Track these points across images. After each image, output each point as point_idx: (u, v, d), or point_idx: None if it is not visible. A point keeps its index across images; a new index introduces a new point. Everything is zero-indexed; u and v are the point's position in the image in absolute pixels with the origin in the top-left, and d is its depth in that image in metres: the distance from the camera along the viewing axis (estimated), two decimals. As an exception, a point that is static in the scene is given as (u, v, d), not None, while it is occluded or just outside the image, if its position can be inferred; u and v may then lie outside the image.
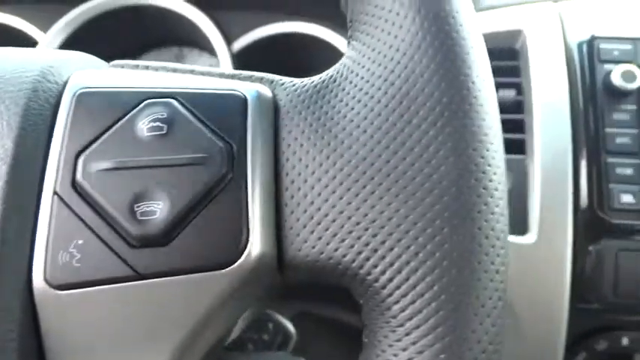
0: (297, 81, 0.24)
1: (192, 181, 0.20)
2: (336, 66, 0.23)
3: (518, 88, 0.53)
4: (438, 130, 0.20)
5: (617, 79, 0.49)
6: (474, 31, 0.21)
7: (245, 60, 0.64)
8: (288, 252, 0.21)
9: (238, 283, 0.20)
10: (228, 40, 0.63)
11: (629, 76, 0.49)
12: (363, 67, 0.22)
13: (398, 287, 0.19)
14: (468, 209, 0.19)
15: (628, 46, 0.51)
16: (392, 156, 0.20)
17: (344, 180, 0.20)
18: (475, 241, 0.19)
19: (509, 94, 0.53)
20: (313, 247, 0.20)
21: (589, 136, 0.49)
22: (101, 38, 0.68)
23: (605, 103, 0.50)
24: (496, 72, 0.56)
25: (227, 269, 0.20)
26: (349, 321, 0.62)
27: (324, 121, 0.21)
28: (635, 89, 0.49)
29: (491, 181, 0.20)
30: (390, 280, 0.19)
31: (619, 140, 0.49)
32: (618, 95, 0.50)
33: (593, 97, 0.50)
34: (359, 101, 0.21)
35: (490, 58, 0.56)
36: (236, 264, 0.20)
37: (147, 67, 0.25)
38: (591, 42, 0.52)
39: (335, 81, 0.23)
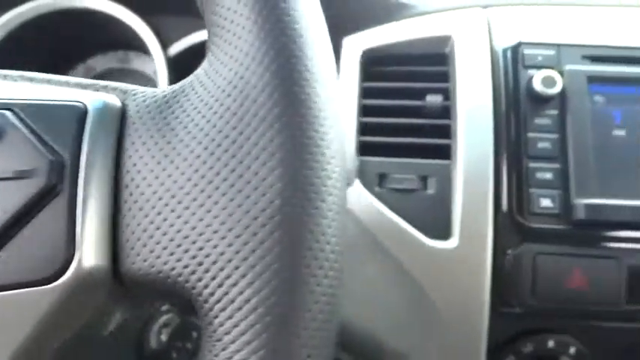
0: (149, 91, 0.24)
1: (16, 195, 0.19)
2: (190, 76, 0.23)
3: (447, 94, 0.54)
4: (267, 142, 0.20)
5: (537, 85, 0.49)
6: (314, 42, 0.21)
7: (183, 64, 0.64)
8: (123, 265, 0.21)
9: (67, 297, 0.20)
10: (165, 45, 0.63)
11: (549, 82, 0.49)
12: (209, 78, 0.22)
13: (218, 301, 0.19)
14: (291, 221, 0.19)
15: (551, 52, 0.52)
16: (222, 168, 0.20)
17: (176, 193, 0.20)
18: (297, 255, 0.19)
19: (437, 99, 0.54)
20: (145, 261, 0.20)
21: (511, 141, 0.50)
22: (41, 42, 0.67)
23: (527, 108, 0.50)
24: (425, 78, 0.57)
25: (54, 284, 0.19)
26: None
27: (164, 132, 0.21)
28: (556, 94, 0.49)
29: (317, 193, 0.20)
30: (212, 293, 0.19)
31: (540, 145, 0.49)
32: (540, 100, 0.50)
33: (516, 103, 0.51)
34: (199, 112, 0.21)
35: (420, 64, 0.56)
36: (63, 278, 0.20)
37: (5, 77, 0.24)
38: (516, 48, 0.52)
39: (183, 91, 0.22)
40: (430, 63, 0.55)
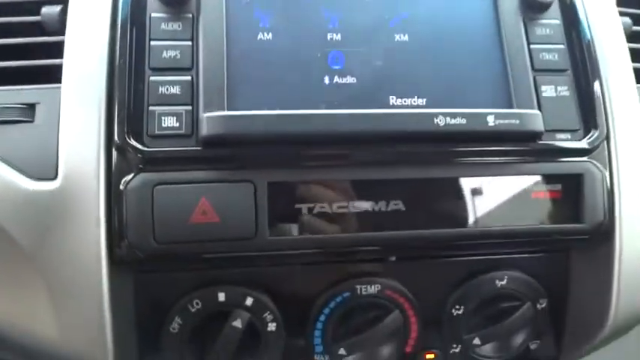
0: None
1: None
2: None
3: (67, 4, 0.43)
4: None
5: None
6: None
7: None
8: None
9: None
10: None
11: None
12: None
13: None
14: None
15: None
16: None
17: None
18: None
19: (54, 11, 0.43)
20: None
21: (130, 52, 0.40)
22: None
23: (154, 12, 0.41)
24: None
25: None
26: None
27: None
28: None
29: None
30: None
31: (165, 54, 0.40)
32: (168, 3, 0.41)
33: (137, 9, 0.41)
34: None
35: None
36: None
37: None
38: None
39: None
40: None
